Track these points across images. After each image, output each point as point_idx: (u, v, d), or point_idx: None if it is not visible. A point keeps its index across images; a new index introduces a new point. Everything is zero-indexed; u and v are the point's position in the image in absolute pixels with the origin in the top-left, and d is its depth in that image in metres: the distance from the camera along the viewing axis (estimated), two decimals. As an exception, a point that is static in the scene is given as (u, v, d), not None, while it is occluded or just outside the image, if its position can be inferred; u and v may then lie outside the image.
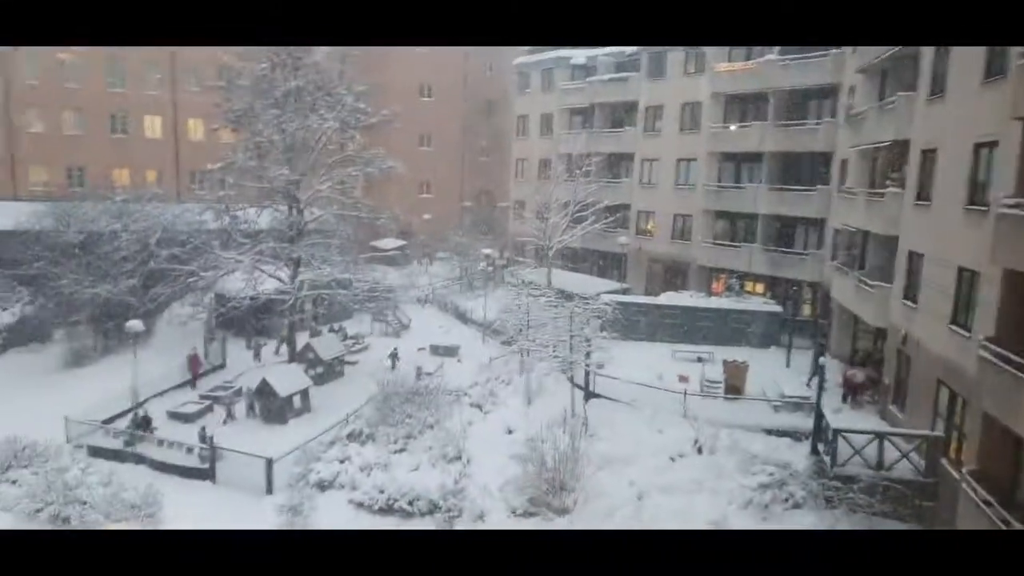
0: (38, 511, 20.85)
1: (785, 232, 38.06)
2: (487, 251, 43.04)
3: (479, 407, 27.17)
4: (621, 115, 47.32)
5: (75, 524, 20.31)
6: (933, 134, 21.45)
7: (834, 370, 27.23)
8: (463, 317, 41.26)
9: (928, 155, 21.81)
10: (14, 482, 22.64)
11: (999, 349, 14.58)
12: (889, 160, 26.77)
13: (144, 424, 26.51)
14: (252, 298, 32.17)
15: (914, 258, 22.39)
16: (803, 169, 37.16)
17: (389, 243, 53.14)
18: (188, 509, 21.84)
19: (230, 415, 28.35)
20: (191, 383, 32.01)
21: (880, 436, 19.78)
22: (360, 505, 21.99)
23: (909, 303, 22.35)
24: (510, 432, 24.75)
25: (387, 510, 21.72)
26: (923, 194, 22.02)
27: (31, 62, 44.06)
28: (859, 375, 25.67)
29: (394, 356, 32.78)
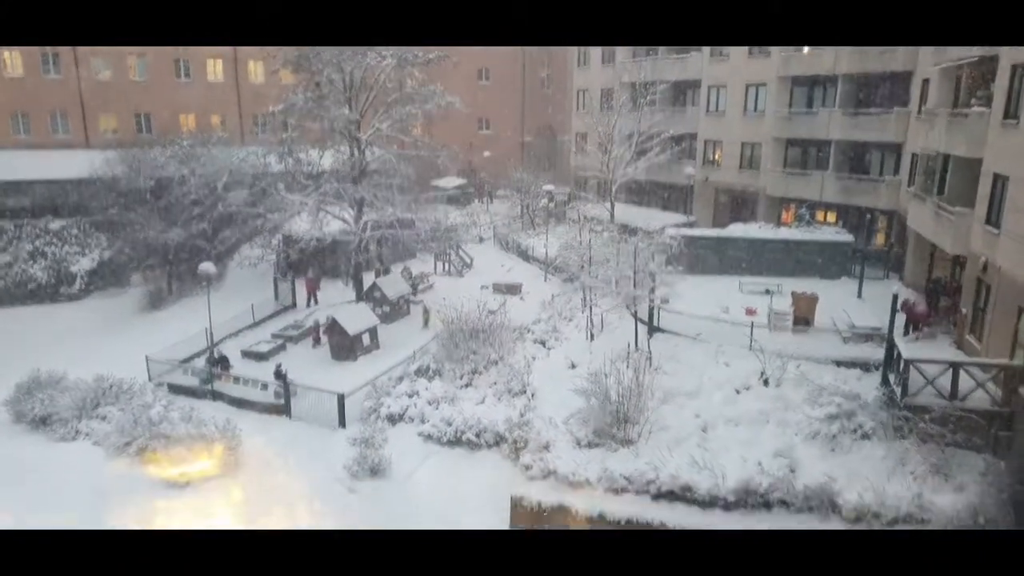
0: (127, 444, 21.93)
1: (859, 158, 36.54)
2: (548, 187, 42.52)
3: (542, 343, 27.26)
4: (685, 41, 45.65)
5: (160, 456, 21.35)
6: None
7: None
8: (525, 255, 41.17)
9: (1018, 70, 20.45)
10: (103, 418, 23.90)
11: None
12: (975, 77, 25.18)
13: (221, 363, 27.53)
14: (318, 239, 32.69)
15: (999, 181, 21.23)
16: (880, 91, 35.41)
17: (450, 182, 53.05)
18: (266, 443, 22.77)
19: (317, 340, 30.28)
20: (308, 302, 34.75)
21: (954, 366, 19.10)
22: (429, 437, 22.53)
23: (992, 229, 21.28)
24: (573, 367, 24.79)
25: (455, 441, 22.19)
26: (1011, 112, 20.74)
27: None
28: (920, 305, 24.73)
29: (426, 314, 31.50)
